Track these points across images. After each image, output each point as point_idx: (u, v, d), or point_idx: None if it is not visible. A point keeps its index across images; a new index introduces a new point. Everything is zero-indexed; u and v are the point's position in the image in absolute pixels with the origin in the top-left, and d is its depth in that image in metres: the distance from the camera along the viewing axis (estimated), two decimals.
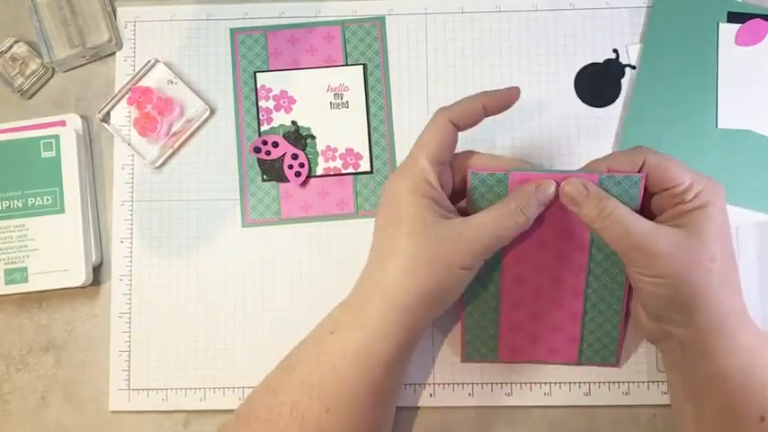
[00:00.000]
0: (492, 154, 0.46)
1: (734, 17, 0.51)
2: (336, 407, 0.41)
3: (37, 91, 0.54)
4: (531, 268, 0.46)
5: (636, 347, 0.50)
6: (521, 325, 0.48)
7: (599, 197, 0.41)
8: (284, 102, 0.53)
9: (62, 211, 0.50)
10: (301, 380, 0.42)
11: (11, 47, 0.53)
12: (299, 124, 0.53)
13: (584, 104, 0.52)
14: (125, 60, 0.54)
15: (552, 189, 0.43)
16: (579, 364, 0.49)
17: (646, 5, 0.53)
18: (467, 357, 0.49)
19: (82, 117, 0.53)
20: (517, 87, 0.43)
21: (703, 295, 0.40)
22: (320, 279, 0.51)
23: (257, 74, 0.53)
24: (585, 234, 0.45)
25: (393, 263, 0.41)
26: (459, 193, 0.45)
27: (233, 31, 0.54)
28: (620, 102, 0.52)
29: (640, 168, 0.42)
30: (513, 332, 0.48)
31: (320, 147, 0.53)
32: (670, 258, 0.39)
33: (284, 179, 0.52)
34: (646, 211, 0.43)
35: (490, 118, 0.44)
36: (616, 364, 0.49)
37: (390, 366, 0.42)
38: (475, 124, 0.44)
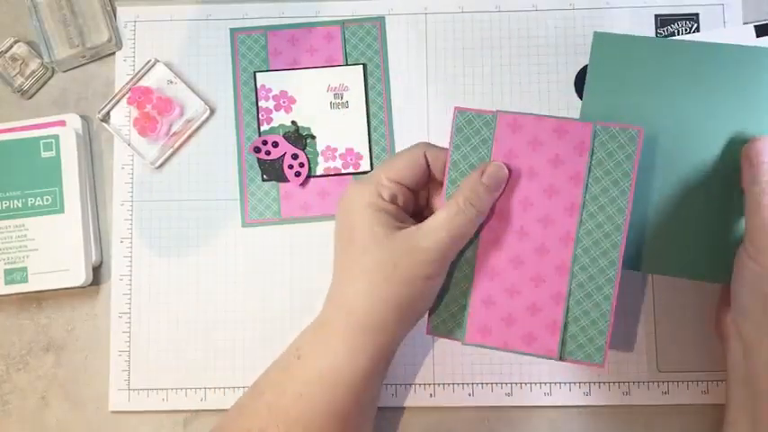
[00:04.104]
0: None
1: None
2: None
3: (37, 91, 0.54)
4: (512, 231, 0.42)
5: (636, 347, 0.50)
6: (494, 300, 0.42)
7: None
8: (284, 102, 0.53)
9: (62, 211, 0.50)
10: (268, 405, 0.41)
11: (11, 47, 0.53)
12: (299, 124, 0.53)
13: None
14: (125, 60, 0.54)
15: (503, 172, 0.41)
16: (560, 359, 0.42)
17: (646, 5, 0.53)
18: (433, 330, 0.44)
19: (82, 117, 0.53)
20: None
21: None
22: (320, 279, 0.51)
23: (257, 74, 0.53)
24: (576, 194, 0.41)
25: (353, 283, 0.41)
26: (424, 214, 0.44)
27: (233, 31, 0.54)
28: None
29: None
30: (486, 308, 0.43)
31: (320, 147, 0.53)
32: None
33: (284, 179, 0.52)
34: None
35: None
36: (603, 364, 0.42)
37: (358, 390, 0.41)
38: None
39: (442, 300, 0.44)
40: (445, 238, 0.39)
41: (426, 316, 0.44)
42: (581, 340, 0.42)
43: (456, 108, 0.42)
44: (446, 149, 0.43)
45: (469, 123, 0.42)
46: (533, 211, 0.42)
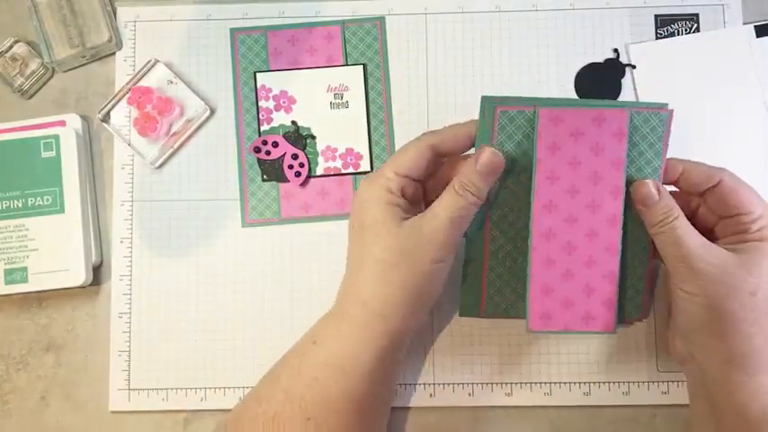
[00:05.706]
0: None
1: None
2: (318, 416, 0.41)
3: (37, 91, 0.54)
4: (562, 219, 0.43)
5: (636, 347, 0.50)
6: (552, 286, 0.44)
7: (668, 205, 0.41)
8: (284, 102, 0.53)
9: (62, 211, 0.50)
10: (284, 389, 0.42)
11: (11, 47, 0.53)
12: (299, 124, 0.53)
13: None
14: (125, 60, 0.54)
15: (497, 158, 0.41)
16: (614, 332, 0.45)
17: (646, 5, 0.53)
18: (485, 314, 0.46)
19: (82, 117, 0.53)
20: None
21: (733, 325, 0.39)
22: (320, 279, 0.51)
23: (257, 74, 0.53)
24: (618, 177, 0.42)
25: (365, 272, 0.42)
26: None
27: (233, 31, 0.54)
28: (619, 101, 0.52)
29: (714, 186, 0.41)
30: (544, 295, 0.44)
31: (320, 147, 0.53)
32: (709, 279, 0.39)
33: (284, 179, 0.52)
34: (710, 233, 0.42)
35: None
36: (642, 317, 0.45)
37: (373, 375, 0.42)
38: (460, 151, 0.43)
39: (494, 286, 0.46)
40: (446, 221, 0.41)
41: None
42: (622, 303, 0.45)
43: (499, 108, 0.42)
44: (450, 129, 0.43)
45: (512, 121, 0.43)
46: (581, 198, 0.43)
